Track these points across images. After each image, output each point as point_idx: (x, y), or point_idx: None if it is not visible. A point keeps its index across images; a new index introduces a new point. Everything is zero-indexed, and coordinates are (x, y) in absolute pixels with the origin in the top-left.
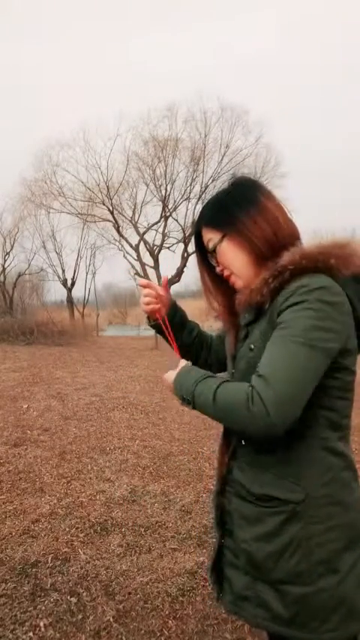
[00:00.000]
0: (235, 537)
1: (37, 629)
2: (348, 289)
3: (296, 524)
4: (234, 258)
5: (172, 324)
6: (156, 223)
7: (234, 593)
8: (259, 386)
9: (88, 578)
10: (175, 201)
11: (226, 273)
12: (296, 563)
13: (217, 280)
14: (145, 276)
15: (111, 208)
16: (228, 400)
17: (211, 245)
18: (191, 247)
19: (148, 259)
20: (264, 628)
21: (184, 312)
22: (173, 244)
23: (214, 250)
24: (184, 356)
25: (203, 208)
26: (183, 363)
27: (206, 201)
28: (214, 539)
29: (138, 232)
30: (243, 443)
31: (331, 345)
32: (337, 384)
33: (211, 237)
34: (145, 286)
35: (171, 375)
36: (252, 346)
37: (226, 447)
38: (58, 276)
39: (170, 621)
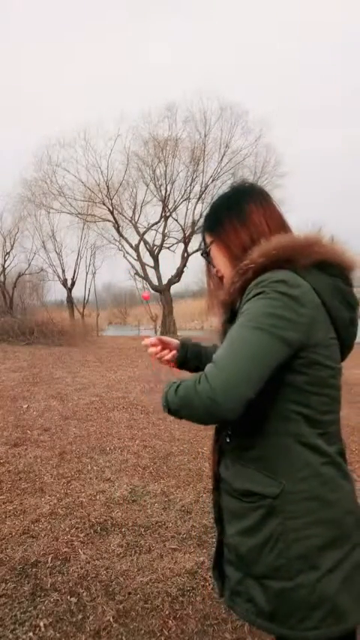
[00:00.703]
0: (226, 534)
1: (37, 629)
2: (311, 279)
3: (275, 518)
4: (219, 262)
5: (188, 362)
6: (156, 223)
7: (230, 589)
8: (207, 369)
9: (88, 578)
10: (175, 201)
11: (219, 274)
12: (275, 557)
13: (219, 282)
14: (145, 276)
15: (111, 208)
16: (184, 386)
17: (207, 248)
18: (191, 247)
19: (148, 259)
20: (253, 623)
21: (195, 343)
22: (173, 244)
23: (209, 253)
24: None
25: (206, 211)
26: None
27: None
28: (215, 537)
29: (138, 232)
30: (228, 440)
31: (288, 334)
32: (307, 380)
33: (207, 240)
34: (149, 346)
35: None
36: None
37: (216, 444)
38: (58, 276)
39: (170, 621)
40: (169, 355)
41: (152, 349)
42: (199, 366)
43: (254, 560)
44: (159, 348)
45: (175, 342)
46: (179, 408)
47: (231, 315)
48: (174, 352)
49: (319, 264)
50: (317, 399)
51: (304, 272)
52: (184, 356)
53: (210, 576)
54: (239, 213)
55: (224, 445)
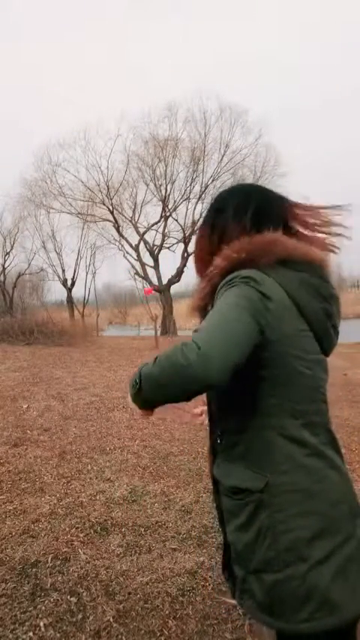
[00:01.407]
0: (227, 532)
1: (37, 629)
2: (275, 275)
3: (262, 512)
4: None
5: None
6: (156, 223)
7: (239, 588)
8: (193, 335)
9: (88, 578)
10: (175, 201)
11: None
12: (265, 550)
13: None
14: (145, 276)
15: (111, 208)
16: (165, 354)
17: None
18: (191, 247)
19: (148, 259)
20: (258, 619)
21: None
22: (173, 244)
23: None
24: None
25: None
26: None
27: None
28: (219, 534)
29: (138, 232)
30: (219, 441)
31: (259, 317)
32: (280, 372)
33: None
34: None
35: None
36: None
37: (211, 446)
38: (58, 276)
39: (170, 621)
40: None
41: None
42: None
43: (250, 556)
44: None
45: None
46: (157, 373)
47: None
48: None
49: (283, 261)
50: (294, 390)
51: (267, 269)
52: None
53: (210, 576)
54: (211, 220)
55: (216, 446)
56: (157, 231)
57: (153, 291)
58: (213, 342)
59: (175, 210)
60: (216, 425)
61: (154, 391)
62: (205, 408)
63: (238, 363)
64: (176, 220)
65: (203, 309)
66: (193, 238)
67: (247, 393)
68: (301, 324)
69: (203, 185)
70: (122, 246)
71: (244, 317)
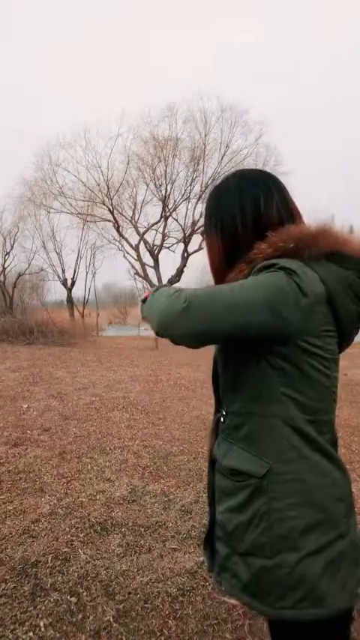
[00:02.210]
0: (216, 510)
1: (37, 629)
2: (321, 270)
3: (261, 498)
4: None
5: None
6: (156, 223)
7: (218, 564)
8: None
9: (88, 578)
10: (175, 201)
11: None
12: (258, 535)
13: None
14: (145, 276)
15: (111, 208)
16: (160, 291)
17: None
18: (191, 247)
19: (148, 259)
20: (238, 598)
21: None
22: (173, 244)
23: None
24: None
25: None
26: None
27: None
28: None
29: (138, 232)
30: (222, 420)
31: (282, 309)
32: (296, 366)
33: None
34: None
35: None
36: None
37: (213, 428)
38: (58, 276)
39: (170, 621)
40: None
41: None
42: None
43: (240, 537)
44: None
45: None
46: (147, 306)
47: None
48: None
49: (331, 255)
50: (309, 386)
51: (313, 263)
52: None
53: (210, 576)
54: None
55: (219, 425)
56: (157, 231)
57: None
58: (198, 306)
59: (175, 210)
60: (221, 404)
61: (145, 312)
62: None
63: (208, 336)
64: (176, 220)
65: None
66: (194, 238)
67: (261, 380)
68: (328, 324)
69: (203, 185)
70: (122, 246)
71: (259, 300)
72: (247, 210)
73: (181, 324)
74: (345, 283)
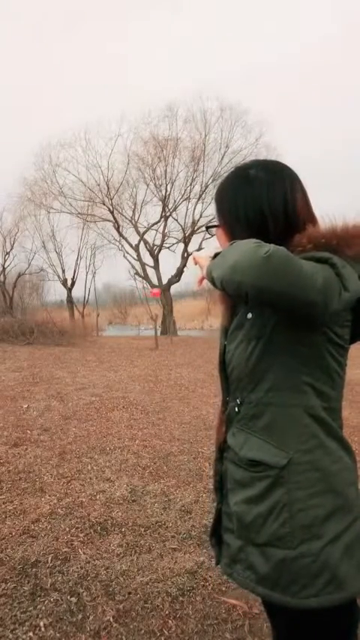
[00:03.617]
0: (229, 501)
1: (37, 629)
2: (356, 267)
3: (280, 488)
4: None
5: None
6: (156, 223)
7: (228, 556)
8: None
9: (88, 578)
10: (175, 201)
11: None
12: (279, 526)
13: None
14: (145, 276)
15: (111, 208)
16: (239, 242)
17: None
18: (191, 247)
19: (148, 259)
20: (252, 590)
21: None
22: (173, 244)
23: None
24: None
25: None
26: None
27: None
28: (214, 503)
29: (138, 232)
30: (237, 410)
31: (329, 291)
32: (320, 354)
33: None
34: None
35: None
36: (250, 313)
37: (223, 414)
38: (58, 276)
39: (170, 621)
40: None
41: None
42: None
43: (258, 529)
44: None
45: None
46: (226, 251)
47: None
48: None
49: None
50: (326, 373)
51: (350, 260)
52: None
53: (210, 576)
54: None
55: (232, 414)
56: (157, 231)
57: (159, 293)
58: (281, 262)
59: (175, 210)
60: (234, 392)
61: (221, 269)
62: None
63: (263, 296)
64: (176, 220)
65: None
66: (194, 238)
67: (284, 369)
68: (349, 314)
69: (203, 185)
70: (122, 246)
71: (318, 286)
72: (276, 205)
73: (255, 271)
74: None
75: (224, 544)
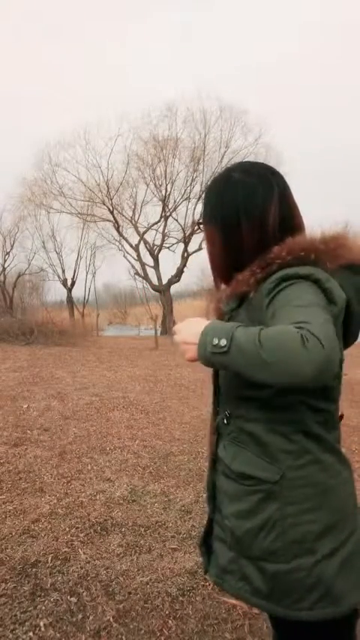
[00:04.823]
0: (221, 513)
1: (37, 628)
2: (339, 278)
3: (272, 503)
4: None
5: None
6: (156, 223)
7: (219, 566)
8: (308, 326)
9: (88, 578)
10: (175, 201)
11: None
12: (272, 541)
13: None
14: (145, 276)
15: (111, 208)
16: (278, 338)
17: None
18: (191, 247)
19: (148, 259)
20: (246, 601)
21: None
22: (173, 244)
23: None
24: None
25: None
26: (203, 319)
27: None
28: (207, 513)
29: (138, 232)
30: (225, 422)
31: (330, 313)
32: None
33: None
34: None
35: (193, 325)
36: None
37: (214, 427)
38: (58, 276)
39: (170, 621)
40: None
41: None
42: None
43: (250, 543)
44: None
45: None
46: (265, 357)
47: (239, 303)
48: None
49: (345, 265)
50: (321, 387)
51: (330, 270)
52: None
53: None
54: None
55: (222, 426)
56: (157, 231)
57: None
58: (332, 343)
59: (175, 210)
60: (224, 404)
61: (243, 362)
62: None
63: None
64: (176, 220)
65: (243, 295)
66: (194, 238)
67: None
68: (342, 328)
69: (203, 185)
70: (122, 246)
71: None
72: (252, 210)
73: (294, 378)
74: (356, 288)
75: (214, 553)
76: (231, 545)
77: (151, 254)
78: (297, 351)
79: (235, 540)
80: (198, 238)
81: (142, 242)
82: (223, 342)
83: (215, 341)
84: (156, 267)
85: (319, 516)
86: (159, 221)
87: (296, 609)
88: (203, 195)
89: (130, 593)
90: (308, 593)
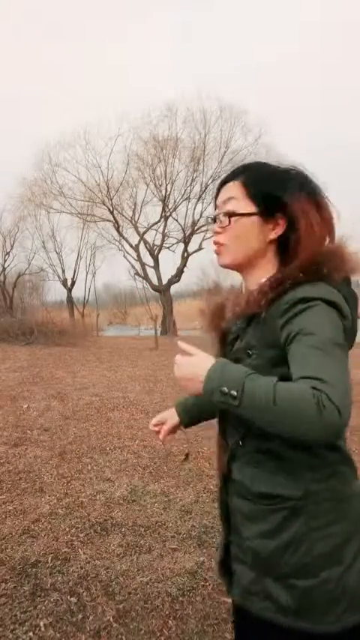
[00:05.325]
0: (239, 534)
1: (37, 629)
2: (343, 290)
3: (297, 520)
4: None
5: (193, 423)
6: (156, 223)
7: (241, 587)
8: (326, 389)
9: (88, 578)
10: (175, 201)
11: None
12: (300, 557)
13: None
14: (145, 276)
15: (111, 208)
16: (293, 402)
17: (230, 207)
18: (191, 247)
19: (148, 259)
20: (270, 620)
21: (192, 403)
22: (173, 244)
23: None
24: None
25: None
26: (207, 356)
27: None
28: (219, 535)
29: (138, 232)
30: (241, 444)
31: (344, 342)
32: None
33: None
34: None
35: (197, 364)
36: (249, 352)
37: (225, 447)
38: (58, 276)
39: (170, 621)
40: (167, 427)
41: (154, 429)
42: (203, 418)
43: (276, 562)
44: (160, 426)
45: (169, 413)
46: (276, 419)
47: (248, 321)
48: (173, 422)
49: (347, 279)
50: None
51: (337, 285)
52: (188, 422)
53: (210, 576)
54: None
55: (237, 449)
56: (157, 231)
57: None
58: (348, 407)
59: (175, 210)
60: (234, 424)
61: (254, 415)
62: (163, 426)
63: None
64: (176, 220)
65: (253, 316)
66: (194, 238)
67: None
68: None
69: (203, 185)
70: (122, 246)
71: (345, 357)
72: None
73: (307, 434)
74: (355, 299)
75: (235, 574)
76: (253, 565)
77: (151, 254)
78: (312, 418)
79: (260, 561)
80: (198, 238)
81: (142, 242)
82: (234, 393)
83: (224, 389)
84: (156, 267)
85: (342, 527)
86: (159, 221)
87: (326, 623)
88: (249, 177)
89: (130, 593)
90: (336, 605)
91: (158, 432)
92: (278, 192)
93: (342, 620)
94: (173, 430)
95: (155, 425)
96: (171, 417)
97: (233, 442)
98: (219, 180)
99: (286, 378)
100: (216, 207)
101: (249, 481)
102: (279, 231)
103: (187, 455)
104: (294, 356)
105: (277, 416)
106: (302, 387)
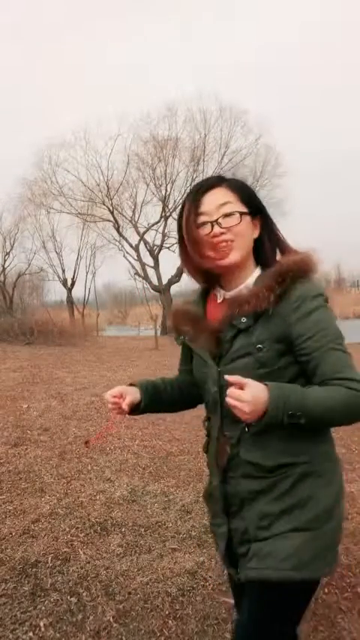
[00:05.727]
0: (242, 518)
1: (37, 629)
2: None
3: (305, 480)
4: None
5: (147, 408)
6: (156, 223)
7: (245, 564)
8: (357, 386)
9: (88, 578)
10: (175, 201)
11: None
12: (307, 512)
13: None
14: (145, 276)
15: (111, 208)
16: (345, 406)
17: (228, 209)
18: None
19: (148, 259)
20: (269, 578)
21: (154, 386)
22: (173, 244)
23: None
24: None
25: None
26: (257, 383)
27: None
28: (220, 528)
29: (138, 232)
30: (247, 430)
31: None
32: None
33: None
34: (111, 399)
35: (257, 393)
36: (261, 346)
37: (226, 439)
38: (58, 276)
39: (170, 621)
40: (125, 403)
41: (113, 400)
42: (156, 408)
43: (284, 520)
44: (119, 399)
45: (130, 389)
46: (343, 420)
47: (255, 318)
48: (130, 399)
49: None
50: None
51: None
52: (146, 404)
53: (210, 576)
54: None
55: (243, 435)
56: (157, 231)
57: (152, 291)
58: None
59: (175, 210)
60: (237, 418)
61: (320, 424)
62: (121, 398)
63: None
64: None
65: (261, 313)
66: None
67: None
68: None
69: None
70: (122, 246)
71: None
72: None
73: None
74: None
75: (240, 558)
76: (256, 534)
77: (151, 254)
78: (358, 408)
79: (266, 524)
80: None
81: (142, 242)
82: (299, 413)
83: (290, 412)
84: (156, 267)
85: (337, 486)
86: (159, 221)
87: (317, 570)
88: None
89: (130, 593)
90: (328, 553)
91: (116, 404)
92: (257, 198)
93: (330, 566)
94: (133, 406)
95: (114, 396)
96: (131, 393)
97: (237, 431)
98: (194, 191)
99: (291, 364)
100: (199, 214)
101: (261, 458)
102: (257, 232)
103: (87, 442)
104: (317, 357)
105: (335, 420)
106: (342, 391)
